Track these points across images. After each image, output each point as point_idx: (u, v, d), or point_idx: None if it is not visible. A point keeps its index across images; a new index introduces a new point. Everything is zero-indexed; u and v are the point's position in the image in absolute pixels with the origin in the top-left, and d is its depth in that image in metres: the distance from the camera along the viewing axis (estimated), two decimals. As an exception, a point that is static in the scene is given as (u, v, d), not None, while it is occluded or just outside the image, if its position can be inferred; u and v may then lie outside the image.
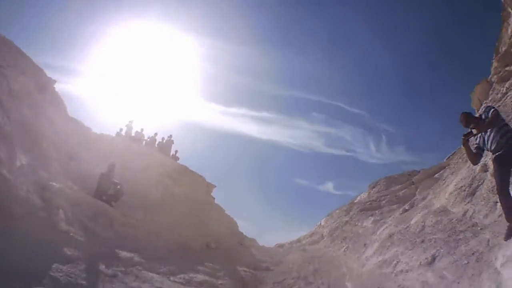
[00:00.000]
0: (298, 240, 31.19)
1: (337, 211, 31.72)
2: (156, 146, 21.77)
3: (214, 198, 22.13)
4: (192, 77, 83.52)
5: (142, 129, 21.46)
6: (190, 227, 15.15)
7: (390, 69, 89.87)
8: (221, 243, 16.59)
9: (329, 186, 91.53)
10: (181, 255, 12.55)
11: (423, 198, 17.52)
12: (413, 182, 27.35)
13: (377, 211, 24.82)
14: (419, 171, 30.85)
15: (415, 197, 23.74)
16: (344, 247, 18.92)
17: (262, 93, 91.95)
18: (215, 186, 21.29)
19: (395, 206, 24.38)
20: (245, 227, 79.44)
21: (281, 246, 30.99)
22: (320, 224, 31.98)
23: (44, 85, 12.95)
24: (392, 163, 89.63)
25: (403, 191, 26.13)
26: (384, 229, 15.41)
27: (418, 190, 24.17)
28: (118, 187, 12.51)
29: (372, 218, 22.52)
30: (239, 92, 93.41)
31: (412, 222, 12.74)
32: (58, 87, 13.84)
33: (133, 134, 20.97)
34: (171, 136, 22.58)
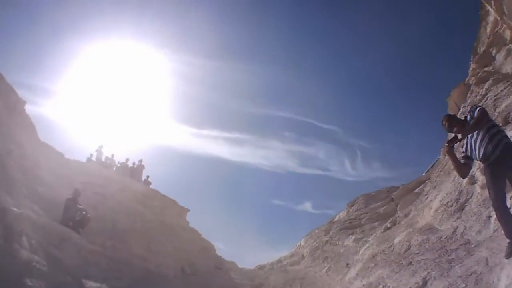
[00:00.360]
0: (279, 261, 30.26)
1: (316, 230, 31.09)
2: (128, 171, 20.76)
3: (188, 222, 21.14)
4: (164, 97, 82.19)
5: (112, 155, 20.49)
6: (163, 253, 14.17)
7: (361, 81, 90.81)
8: (197, 267, 15.63)
9: (307, 206, 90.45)
10: (153, 284, 11.59)
11: (406, 215, 17.11)
12: (392, 198, 27.08)
13: (357, 230, 24.31)
14: (398, 187, 30.73)
15: (396, 214, 23.42)
16: (326, 268, 18.20)
17: (234, 112, 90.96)
18: (189, 210, 20.60)
19: (376, 223, 23.95)
20: (224, 250, 77.02)
21: (262, 267, 29.98)
22: (300, 244, 31.22)
23: (14, 106, 12.35)
24: (368, 180, 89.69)
25: (383, 208, 25.77)
26: (366, 249, 14.83)
27: (398, 206, 23.84)
28: (84, 213, 11.51)
29: (353, 237, 21.96)
30: (211, 111, 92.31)
31: (396, 241, 12.20)
32: (28, 108, 12.95)
33: (103, 160, 19.96)
34: (141, 160, 21.42)
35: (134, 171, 20.94)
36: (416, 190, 24.88)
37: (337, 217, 31.08)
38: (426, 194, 17.88)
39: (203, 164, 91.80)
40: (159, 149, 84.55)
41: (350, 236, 22.71)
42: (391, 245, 12.28)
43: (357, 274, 12.27)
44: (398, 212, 23.05)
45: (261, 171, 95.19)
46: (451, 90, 22.23)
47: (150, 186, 20.54)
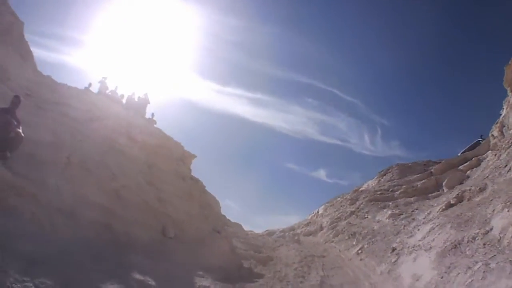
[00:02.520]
0: (292, 228, 25.93)
1: (339, 198, 26.45)
2: (124, 102, 16.10)
3: (190, 171, 16.64)
4: (189, 51, 77.94)
5: (116, 87, 15.89)
6: (139, 206, 9.70)
7: (388, 61, 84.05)
8: (187, 230, 11.23)
9: (321, 174, 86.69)
10: (110, 253, 7.18)
11: (473, 191, 12.07)
12: (431, 172, 22.04)
13: (390, 203, 19.52)
14: (436, 162, 25.56)
15: (440, 190, 18.52)
16: (357, 248, 13.56)
17: (259, 73, 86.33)
18: (195, 156, 16.48)
19: (412, 199, 19.09)
20: (234, 208, 74.97)
21: (271, 233, 25.76)
22: (318, 212, 26.72)
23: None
24: (385, 156, 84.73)
25: (421, 182, 20.76)
26: (431, 233, 9.98)
27: (444, 182, 18.78)
28: (19, 130, 6.88)
29: (389, 212, 17.17)
30: (236, 70, 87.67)
31: (497, 225, 7.32)
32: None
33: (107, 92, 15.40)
34: (146, 94, 16.92)
35: (136, 104, 16.28)
36: (462, 167, 19.82)
37: (365, 185, 26.25)
38: (506, 165, 12.90)
39: (223, 121, 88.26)
40: (181, 102, 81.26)
41: (384, 211, 17.94)
42: (487, 231, 7.43)
43: (432, 269, 7.54)
44: (445, 188, 18.07)
45: (280, 134, 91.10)
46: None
47: (155, 125, 15.95)
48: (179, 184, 13.57)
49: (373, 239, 13.68)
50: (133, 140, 12.37)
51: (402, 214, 16.35)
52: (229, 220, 22.01)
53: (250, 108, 77.70)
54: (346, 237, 16.41)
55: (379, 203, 20.29)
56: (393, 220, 15.81)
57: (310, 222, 24.52)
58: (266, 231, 27.16)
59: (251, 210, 76.93)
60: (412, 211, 16.38)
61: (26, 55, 12.14)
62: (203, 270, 9.40)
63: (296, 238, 21.58)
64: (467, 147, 23.36)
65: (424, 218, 12.44)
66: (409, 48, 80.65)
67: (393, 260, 10.24)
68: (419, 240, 9.99)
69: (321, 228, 21.88)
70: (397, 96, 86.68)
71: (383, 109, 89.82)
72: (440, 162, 24.24)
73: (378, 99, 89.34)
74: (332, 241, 17.06)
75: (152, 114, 16.21)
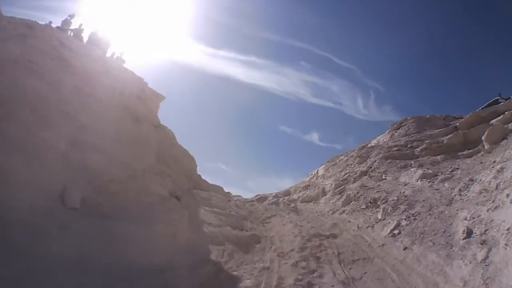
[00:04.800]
0: (287, 193, 21.09)
1: (342, 157, 21.48)
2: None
3: (156, 116, 11.68)
4: (182, 16, 73.62)
5: (81, 25, 11.48)
6: (36, 148, 4.61)
7: (383, 26, 77.92)
8: (115, 195, 6.45)
9: (314, 137, 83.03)
10: None
11: None
12: (456, 127, 17.00)
13: (412, 162, 14.63)
14: (456, 117, 20.45)
15: (473, 147, 13.58)
16: (391, 226, 8.65)
17: (252, 36, 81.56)
18: (164, 98, 12.30)
19: (439, 157, 14.25)
20: (226, 172, 71.68)
21: (262, 198, 20.90)
22: (317, 173, 21.85)
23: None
24: (379, 121, 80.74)
25: (447, 138, 15.76)
26: None
27: (484, 137, 13.66)
28: None
29: (418, 172, 12.29)
30: (229, 34, 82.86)
31: None
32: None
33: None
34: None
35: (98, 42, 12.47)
36: (493, 121, 14.81)
37: (374, 141, 21.24)
38: None
39: (216, 83, 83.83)
40: (174, 65, 78.57)
41: (411, 170, 13.13)
42: None
43: None
44: (485, 143, 13.04)
45: (273, 95, 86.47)
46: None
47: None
48: (126, 126, 8.55)
49: (412, 211, 8.79)
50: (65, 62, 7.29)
51: (438, 175, 11.50)
52: (205, 182, 17.11)
53: (244, 70, 73.26)
54: (363, 206, 11.56)
55: (398, 161, 15.42)
56: (429, 182, 10.94)
57: (309, 185, 19.65)
58: (256, 196, 22.34)
59: (244, 174, 73.94)
60: (452, 171, 11.51)
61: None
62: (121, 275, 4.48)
63: (292, 205, 16.79)
64: (485, 105, 18.32)
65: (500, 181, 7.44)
66: (405, 14, 73.91)
67: (479, 256, 5.34)
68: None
69: (324, 192, 17.05)
70: (393, 61, 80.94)
71: (377, 74, 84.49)
72: (460, 117, 19.24)
73: (373, 64, 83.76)
74: (343, 211, 12.20)
75: (121, 53, 12.67)
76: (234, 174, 73.03)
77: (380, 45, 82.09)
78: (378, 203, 10.90)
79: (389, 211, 9.69)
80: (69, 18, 12.11)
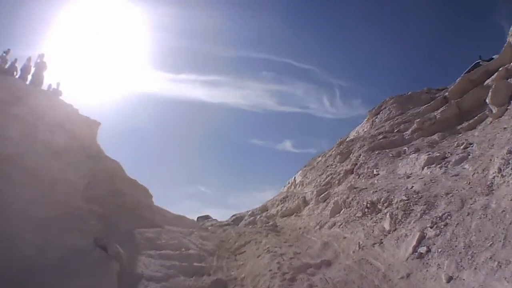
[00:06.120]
0: (264, 208, 17.85)
1: (320, 158, 18.58)
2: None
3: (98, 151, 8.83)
4: (140, 46, 73.56)
5: (8, 50, 11.97)
6: None
7: (336, 21, 77.92)
8: None
9: (287, 145, 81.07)
10: None
11: None
12: (445, 97, 14.46)
13: (406, 148, 11.92)
14: (439, 89, 18.08)
15: (475, 114, 11.09)
16: (413, 242, 5.63)
17: (210, 56, 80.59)
18: (100, 124, 12.09)
19: (436, 136, 11.77)
20: (207, 193, 68.61)
21: (239, 219, 17.66)
22: (294, 181, 18.82)
23: None
24: (350, 117, 79.68)
25: (439, 112, 13.19)
26: None
27: (488, 98, 11.18)
28: None
29: (422, 157, 9.55)
30: (187, 57, 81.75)
31: None
32: None
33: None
34: (42, 55, 12.56)
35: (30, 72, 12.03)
36: (488, 82, 12.46)
37: (353, 133, 18.47)
38: None
39: (182, 108, 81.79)
40: (138, 96, 79.29)
41: (409, 158, 10.38)
42: None
43: None
44: (492, 107, 10.50)
45: (239, 111, 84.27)
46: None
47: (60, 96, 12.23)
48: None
49: (436, 213, 5.85)
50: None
51: (448, 157, 8.78)
52: (168, 213, 13.65)
53: (206, 90, 71.72)
54: (359, 214, 8.55)
55: (387, 151, 12.70)
56: (440, 168, 8.20)
57: (287, 196, 16.50)
58: (232, 217, 19.02)
59: (224, 192, 70.76)
60: (465, 147, 8.83)
61: None
62: None
63: (271, 223, 13.70)
64: (465, 72, 15.84)
65: None
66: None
67: None
68: None
69: (305, 202, 14.00)
70: (351, 55, 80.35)
71: (339, 71, 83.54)
72: (444, 88, 16.84)
73: (332, 62, 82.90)
74: (334, 224, 9.13)
75: (58, 84, 12.74)
76: (214, 194, 69.89)
77: (335, 41, 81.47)
78: (379, 207, 7.94)
79: (399, 217, 6.70)
80: (4, 54, 11.78)
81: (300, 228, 10.91)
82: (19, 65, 11.85)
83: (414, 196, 7.09)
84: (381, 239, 6.52)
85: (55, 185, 7.94)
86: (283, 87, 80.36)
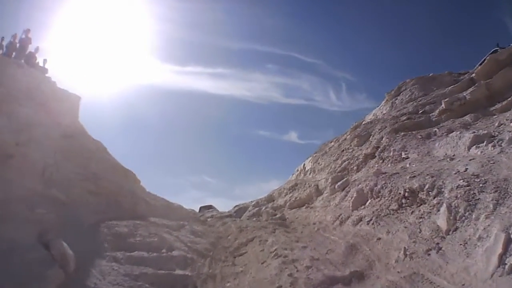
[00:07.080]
0: (270, 198, 15.91)
1: (332, 143, 16.64)
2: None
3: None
4: (147, 38, 74.06)
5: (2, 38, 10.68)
6: None
7: (342, 15, 75.70)
8: None
9: (292, 136, 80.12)
10: None
11: None
12: (472, 78, 12.43)
13: (436, 129, 9.95)
14: (460, 73, 15.91)
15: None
16: (494, 246, 3.71)
17: (216, 48, 79.96)
18: (80, 98, 10.26)
19: (468, 117, 9.81)
20: (213, 183, 67.63)
21: (242, 209, 15.73)
22: (304, 168, 16.88)
23: None
24: (354, 110, 78.38)
25: (467, 93, 11.20)
26: None
27: None
28: None
29: (466, 136, 7.53)
30: (193, 49, 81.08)
31: None
32: None
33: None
34: (28, 31, 11.39)
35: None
36: None
37: (370, 116, 16.40)
38: None
39: (188, 100, 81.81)
40: (143, 88, 77.91)
41: (449, 137, 8.41)
42: None
43: None
44: None
45: (245, 102, 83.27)
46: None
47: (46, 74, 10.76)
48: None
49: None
50: None
51: (497, 136, 6.84)
52: (163, 200, 11.73)
53: (212, 82, 71.22)
54: (393, 206, 6.63)
55: (414, 132, 10.70)
56: (494, 148, 6.34)
57: (296, 184, 14.56)
58: (235, 207, 17.06)
59: (230, 183, 69.70)
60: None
61: None
62: None
63: (278, 216, 11.84)
64: (482, 60, 14.08)
65: None
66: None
67: None
68: None
69: (318, 191, 12.10)
70: (358, 50, 78.13)
71: (345, 64, 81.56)
72: (465, 72, 14.74)
73: (338, 56, 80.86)
74: (360, 219, 7.17)
75: (44, 61, 11.35)
76: (219, 184, 68.84)
77: (340, 35, 79.41)
78: (423, 196, 5.99)
79: (460, 210, 4.75)
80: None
81: (314, 223, 9.00)
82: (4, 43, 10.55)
83: (476, 180, 5.14)
84: (438, 243, 4.59)
85: (6, 161, 6.12)
86: (288, 80, 79.12)
